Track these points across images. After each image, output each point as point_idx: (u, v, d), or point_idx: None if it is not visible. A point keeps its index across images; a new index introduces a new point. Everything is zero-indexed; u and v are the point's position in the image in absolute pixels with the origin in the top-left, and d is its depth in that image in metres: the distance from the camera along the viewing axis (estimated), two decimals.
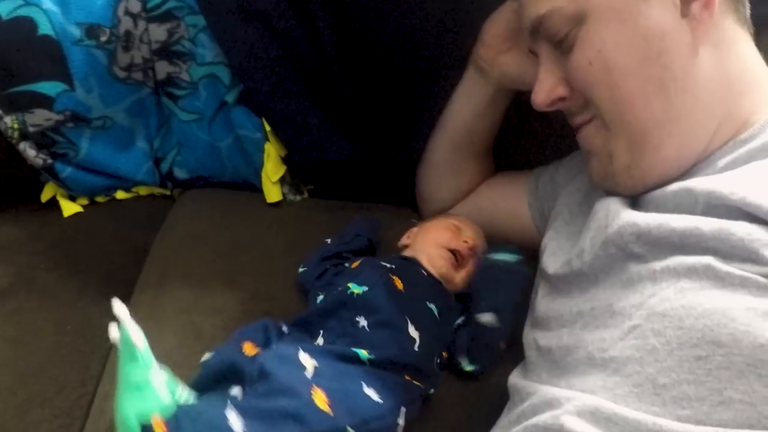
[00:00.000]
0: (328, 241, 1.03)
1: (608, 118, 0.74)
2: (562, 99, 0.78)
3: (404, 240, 1.02)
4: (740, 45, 0.74)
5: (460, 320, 0.91)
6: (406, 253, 0.98)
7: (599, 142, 0.77)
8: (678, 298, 0.60)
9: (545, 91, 0.78)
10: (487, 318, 0.87)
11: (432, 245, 0.95)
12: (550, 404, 0.63)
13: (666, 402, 0.57)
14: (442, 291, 0.92)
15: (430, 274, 0.92)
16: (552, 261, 0.81)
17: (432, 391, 0.84)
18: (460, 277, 0.94)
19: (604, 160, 0.77)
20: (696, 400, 0.56)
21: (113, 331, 0.70)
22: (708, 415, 0.55)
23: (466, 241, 0.96)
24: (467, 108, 1.05)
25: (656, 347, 0.60)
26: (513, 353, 0.85)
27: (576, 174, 0.93)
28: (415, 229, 1.03)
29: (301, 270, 0.99)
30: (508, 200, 1.06)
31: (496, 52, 0.97)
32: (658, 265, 0.64)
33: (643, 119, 0.71)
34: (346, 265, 0.96)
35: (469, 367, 0.88)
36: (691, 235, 0.62)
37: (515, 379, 0.76)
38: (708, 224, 0.62)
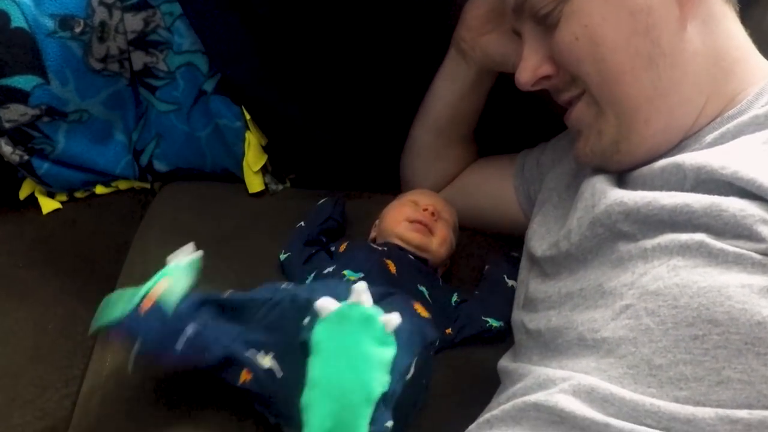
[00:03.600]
0: (303, 224, 1.04)
1: (596, 92, 0.73)
2: (546, 77, 0.77)
3: (372, 234, 1.03)
4: (727, 22, 0.73)
5: (455, 297, 0.92)
6: (378, 242, 0.98)
7: (590, 119, 0.76)
8: (671, 276, 0.60)
9: (530, 70, 0.77)
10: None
11: (397, 224, 0.96)
12: (544, 385, 0.63)
13: (663, 383, 0.57)
14: (429, 272, 0.93)
15: (415, 257, 0.93)
16: (539, 244, 0.80)
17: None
18: (436, 243, 0.95)
19: (593, 137, 0.75)
20: (694, 380, 0.56)
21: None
22: (706, 396, 0.55)
23: (426, 209, 0.97)
24: (449, 91, 1.03)
25: (650, 327, 0.59)
26: (504, 339, 0.84)
27: (562, 156, 0.92)
28: (377, 221, 1.03)
29: (283, 256, 0.99)
30: (494, 184, 1.05)
31: (477, 33, 0.95)
32: (648, 243, 0.63)
33: (632, 94, 0.70)
34: (332, 248, 0.97)
35: (496, 323, 0.89)
36: (681, 212, 0.62)
37: (505, 362, 0.76)
38: (698, 201, 0.61)
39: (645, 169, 0.71)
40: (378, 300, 0.76)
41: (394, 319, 0.66)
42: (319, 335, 0.65)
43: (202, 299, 0.76)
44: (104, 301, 0.73)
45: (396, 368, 0.66)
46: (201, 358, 0.72)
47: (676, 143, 0.72)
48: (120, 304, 0.71)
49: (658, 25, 0.68)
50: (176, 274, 0.75)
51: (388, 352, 0.65)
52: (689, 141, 0.72)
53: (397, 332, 0.66)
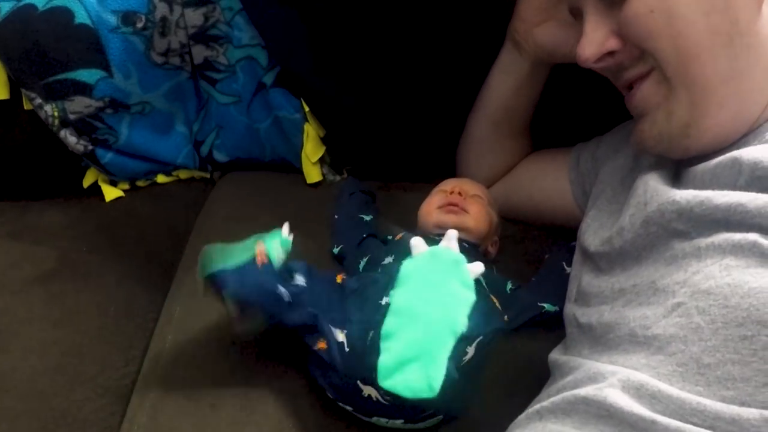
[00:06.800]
0: (336, 216, 1.07)
1: (670, 70, 0.69)
2: (611, 54, 0.74)
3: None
4: None
5: (510, 285, 0.93)
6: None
7: (658, 99, 0.72)
8: (723, 276, 0.59)
9: (595, 44, 0.73)
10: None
11: (430, 214, 0.97)
12: (593, 378, 0.62)
13: (710, 382, 0.56)
14: (483, 262, 0.93)
15: (468, 244, 0.93)
16: (593, 239, 0.79)
17: None
18: (473, 219, 0.96)
19: (661, 118, 0.72)
20: (741, 380, 0.55)
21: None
22: (752, 396, 0.54)
23: (452, 191, 0.98)
24: (505, 84, 1.03)
25: (701, 325, 0.58)
26: (553, 332, 0.84)
27: (618, 150, 0.91)
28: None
29: (336, 249, 1.01)
30: (549, 177, 1.04)
31: (530, 24, 0.94)
32: (702, 241, 0.63)
33: (709, 73, 0.68)
34: (389, 237, 0.99)
35: (552, 308, 0.90)
36: (735, 211, 0.61)
37: (556, 355, 0.75)
38: (753, 200, 0.60)
39: (700, 166, 0.69)
40: None
41: (478, 267, 0.74)
42: (408, 269, 0.73)
43: (309, 267, 0.82)
44: (204, 252, 0.77)
45: (470, 321, 0.70)
46: (295, 317, 0.77)
47: (740, 136, 0.70)
48: (227, 257, 0.76)
49: (736, 3, 0.66)
50: (276, 243, 0.79)
51: (470, 297, 0.71)
52: (749, 138, 0.69)
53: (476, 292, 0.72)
